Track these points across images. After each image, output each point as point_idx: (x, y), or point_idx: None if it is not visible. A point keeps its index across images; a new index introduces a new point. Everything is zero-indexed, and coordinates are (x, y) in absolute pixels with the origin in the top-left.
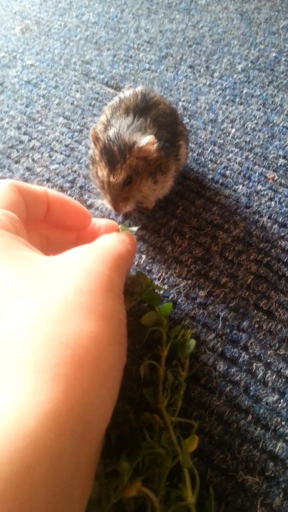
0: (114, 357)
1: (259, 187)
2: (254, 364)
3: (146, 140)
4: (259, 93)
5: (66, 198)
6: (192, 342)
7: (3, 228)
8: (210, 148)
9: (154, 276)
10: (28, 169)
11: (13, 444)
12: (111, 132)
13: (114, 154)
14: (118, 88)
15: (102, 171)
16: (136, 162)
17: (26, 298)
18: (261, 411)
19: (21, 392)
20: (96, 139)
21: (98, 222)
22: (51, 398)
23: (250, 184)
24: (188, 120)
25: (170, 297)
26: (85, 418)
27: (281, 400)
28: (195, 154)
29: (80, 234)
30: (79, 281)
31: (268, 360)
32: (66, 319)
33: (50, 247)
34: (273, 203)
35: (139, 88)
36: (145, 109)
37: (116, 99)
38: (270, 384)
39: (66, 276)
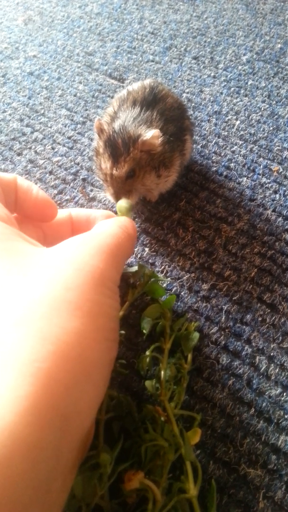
0: (100, 353)
1: (263, 179)
2: (257, 358)
3: (151, 134)
4: (264, 84)
5: (31, 186)
6: (196, 335)
7: None
8: (214, 140)
9: (157, 269)
10: (30, 161)
11: None
12: (116, 124)
13: (118, 146)
14: (121, 80)
15: (106, 163)
16: (139, 155)
17: (12, 293)
18: (264, 404)
19: (1, 387)
20: (101, 131)
21: (94, 213)
22: (30, 393)
23: (255, 176)
24: (192, 112)
25: (173, 290)
26: (66, 413)
27: (284, 394)
28: (199, 146)
29: (76, 227)
30: (67, 276)
31: (271, 354)
32: (50, 315)
33: (47, 239)
34: (277, 196)
35: (147, 81)
36: (152, 102)
37: (125, 91)
38: (273, 377)
39: (55, 271)
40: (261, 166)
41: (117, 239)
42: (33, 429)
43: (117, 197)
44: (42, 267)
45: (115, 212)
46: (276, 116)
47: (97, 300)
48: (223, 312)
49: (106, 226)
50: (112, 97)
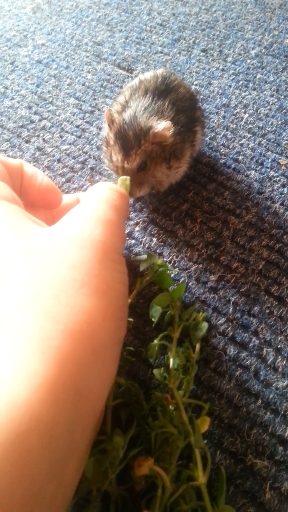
0: (109, 331)
1: (271, 173)
2: (265, 349)
3: (162, 126)
4: (272, 79)
5: (36, 173)
6: (205, 325)
7: (3, 198)
8: (222, 133)
9: (165, 259)
10: (38, 149)
11: (7, 413)
12: (127, 115)
13: (129, 139)
14: (130, 70)
15: (117, 156)
16: (151, 147)
17: (19, 274)
18: (271, 396)
19: (13, 365)
20: (111, 121)
21: None
22: (43, 370)
23: (263, 170)
24: (200, 104)
25: (180, 281)
26: (78, 391)
27: None
28: (207, 139)
29: None
30: (71, 254)
31: (279, 346)
32: (57, 295)
33: (55, 221)
34: (285, 189)
35: (160, 71)
36: (164, 92)
37: (136, 80)
38: (280, 369)
39: (58, 249)
40: (269, 160)
41: (111, 202)
42: (48, 406)
43: (129, 190)
44: (46, 247)
45: None
46: (284, 111)
47: (103, 276)
48: (231, 304)
49: (99, 193)
50: (121, 87)
